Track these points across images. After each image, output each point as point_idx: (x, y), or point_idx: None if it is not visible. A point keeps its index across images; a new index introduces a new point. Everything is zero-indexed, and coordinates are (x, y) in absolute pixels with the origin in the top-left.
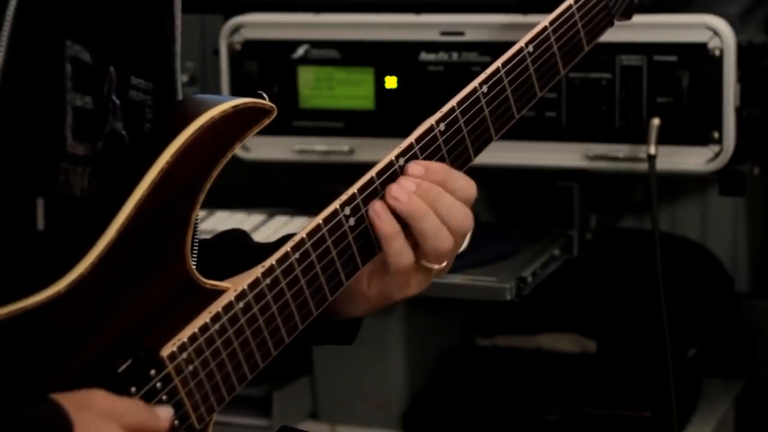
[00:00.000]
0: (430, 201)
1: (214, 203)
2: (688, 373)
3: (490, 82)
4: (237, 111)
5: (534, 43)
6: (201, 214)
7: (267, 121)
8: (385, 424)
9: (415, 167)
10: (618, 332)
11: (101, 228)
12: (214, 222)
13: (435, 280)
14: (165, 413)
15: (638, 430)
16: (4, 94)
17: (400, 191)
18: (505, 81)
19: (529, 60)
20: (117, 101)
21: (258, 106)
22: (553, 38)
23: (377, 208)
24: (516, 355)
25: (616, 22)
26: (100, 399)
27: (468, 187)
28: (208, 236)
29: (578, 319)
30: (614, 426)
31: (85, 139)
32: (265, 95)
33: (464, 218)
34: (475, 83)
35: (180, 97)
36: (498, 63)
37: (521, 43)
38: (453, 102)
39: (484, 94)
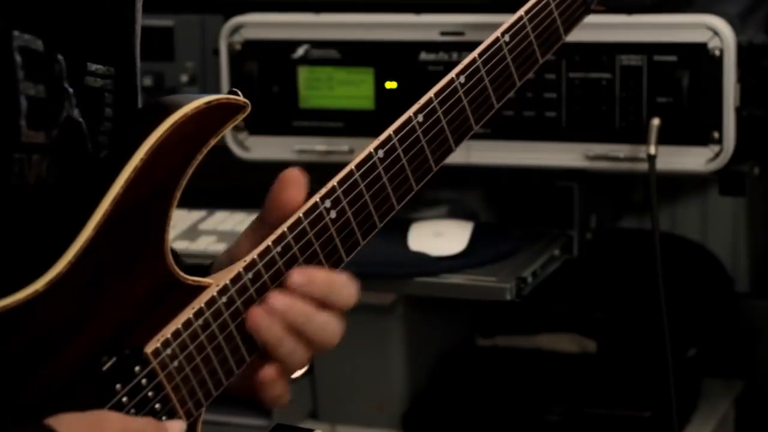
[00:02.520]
0: (299, 325)
1: (214, 203)
2: (688, 373)
3: (467, 72)
4: (210, 107)
5: (510, 33)
6: (201, 214)
7: (241, 117)
8: (385, 424)
9: (297, 278)
10: (618, 332)
11: (76, 224)
12: (214, 222)
13: (435, 279)
14: (176, 427)
15: (638, 430)
16: None
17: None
18: (483, 71)
19: (506, 49)
20: (70, 89)
21: (231, 102)
22: (529, 27)
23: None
24: (516, 355)
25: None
26: (112, 421)
27: (351, 296)
28: (209, 236)
29: (578, 319)
30: (614, 426)
31: (41, 127)
32: (239, 92)
33: (332, 335)
34: (452, 74)
35: (140, 79)
36: (474, 53)
37: (497, 33)
38: (430, 93)
39: (462, 84)
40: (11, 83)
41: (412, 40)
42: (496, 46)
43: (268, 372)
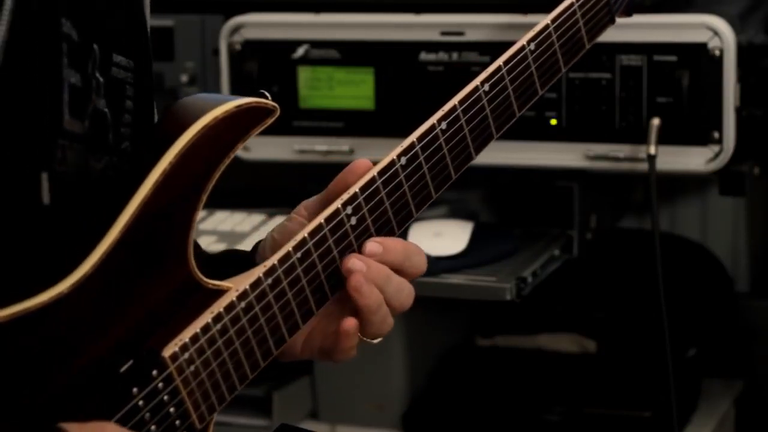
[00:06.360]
0: (379, 286)
1: (214, 203)
2: (688, 373)
3: (492, 81)
4: (240, 111)
5: (536, 42)
6: (201, 214)
7: (270, 121)
8: (385, 424)
9: (374, 246)
10: (618, 332)
11: (103, 225)
12: (214, 222)
13: (435, 279)
14: None
15: (638, 430)
16: (7, 71)
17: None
18: (507, 79)
19: (530, 58)
20: (101, 79)
21: (261, 106)
22: (554, 36)
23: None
24: (516, 355)
25: (618, 20)
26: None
27: (422, 264)
28: (209, 236)
29: (578, 319)
30: (614, 426)
31: (79, 116)
32: (267, 94)
33: (407, 297)
34: (476, 82)
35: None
36: (500, 61)
37: (523, 41)
38: (455, 101)
39: (486, 93)
40: (57, 69)
41: (412, 40)
42: (521, 54)
43: (350, 323)
